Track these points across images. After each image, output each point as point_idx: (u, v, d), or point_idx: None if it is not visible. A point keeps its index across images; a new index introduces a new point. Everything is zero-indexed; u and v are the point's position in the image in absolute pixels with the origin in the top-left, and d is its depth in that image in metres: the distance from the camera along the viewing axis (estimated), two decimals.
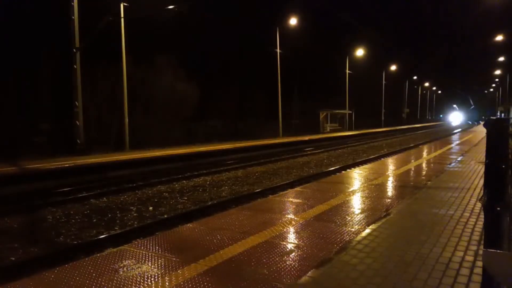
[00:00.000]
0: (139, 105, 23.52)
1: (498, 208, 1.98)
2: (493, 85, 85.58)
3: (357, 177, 8.29)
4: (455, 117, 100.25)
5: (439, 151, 14.54)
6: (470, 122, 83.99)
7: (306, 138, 28.34)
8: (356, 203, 5.65)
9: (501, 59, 56.64)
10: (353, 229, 4.23)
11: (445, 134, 37.66)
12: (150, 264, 3.32)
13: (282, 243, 3.84)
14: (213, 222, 4.69)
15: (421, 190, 6.47)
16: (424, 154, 13.84)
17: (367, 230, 4.16)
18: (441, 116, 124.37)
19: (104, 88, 21.69)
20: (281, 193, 7.04)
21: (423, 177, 8.07)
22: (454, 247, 3.61)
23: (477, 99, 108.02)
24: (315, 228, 4.30)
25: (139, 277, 3.06)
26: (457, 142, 20.36)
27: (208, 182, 11.35)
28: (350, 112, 47.50)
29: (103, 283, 2.97)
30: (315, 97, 45.00)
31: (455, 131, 42.25)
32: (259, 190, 9.71)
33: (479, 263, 3.15)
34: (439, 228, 4.20)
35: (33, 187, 10.26)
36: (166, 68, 26.25)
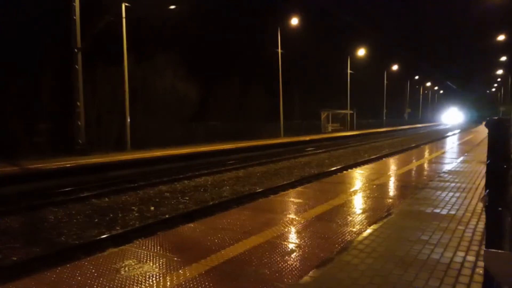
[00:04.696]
0: (139, 105, 23.53)
1: (500, 208, 1.98)
2: (495, 85, 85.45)
3: (358, 177, 8.29)
4: (452, 116, 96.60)
5: (441, 151, 14.52)
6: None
7: (308, 138, 28.34)
8: (358, 203, 5.64)
9: (503, 58, 56.56)
10: (354, 229, 4.22)
11: (447, 134, 37.62)
12: (151, 264, 3.33)
13: (283, 243, 3.83)
14: (215, 222, 4.69)
15: (423, 190, 6.46)
16: (426, 154, 13.82)
17: (369, 230, 4.16)
18: (442, 115, 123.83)
19: (104, 88, 21.70)
20: (283, 193, 7.05)
21: (425, 177, 8.06)
22: (455, 247, 3.61)
23: (478, 99, 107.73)
24: (316, 228, 4.30)
25: (140, 277, 3.06)
26: (459, 142, 20.33)
27: (209, 182, 11.36)
28: (352, 112, 47.50)
29: (104, 282, 2.97)
30: (317, 97, 45.04)
31: (456, 131, 42.19)
32: (260, 190, 9.71)
33: (481, 263, 3.15)
34: (441, 228, 4.20)
35: (34, 187, 10.28)
36: (166, 67, 26.26)
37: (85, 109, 17.20)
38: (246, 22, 37.68)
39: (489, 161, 2.08)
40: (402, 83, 71.63)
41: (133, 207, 8.39)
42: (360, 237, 3.92)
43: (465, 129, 45.04)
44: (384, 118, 60.16)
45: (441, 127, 69.70)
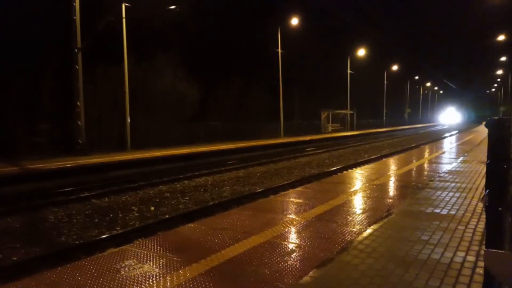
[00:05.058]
0: (139, 105, 23.54)
1: (500, 208, 1.98)
2: (495, 85, 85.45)
3: (358, 177, 8.29)
4: (450, 117, 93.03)
5: (441, 151, 14.52)
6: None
7: (308, 138, 28.35)
8: (358, 203, 5.64)
9: (503, 59, 56.62)
10: (354, 229, 4.22)
11: (447, 134, 37.62)
12: (151, 264, 3.33)
13: (283, 243, 3.83)
14: (215, 222, 4.69)
15: (423, 190, 6.46)
16: (426, 154, 13.82)
17: (369, 230, 4.16)
18: (439, 116, 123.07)
19: (105, 88, 21.71)
20: (283, 193, 7.05)
21: (425, 177, 8.06)
22: (455, 247, 3.61)
23: (476, 99, 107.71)
24: (316, 228, 4.30)
25: (140, 277, 3.06)
26: (459, 142, 20.33)
27: (209, 182, 11.36)
28: (352, 112, 47.52)
29: (104, 283, 2.97)
30: (317, 97, 45.07)
31: (456, 131, 42.19)
32: (260, 190, 9.71)
33: (481, 264, 3.15)
34: (441, 228, 4.20)
35: (34, 187, 10.28)
36: (166, 67, 26.27)
37: (86, 109, 17.21)
38: (246, 22, 37.66)
39: (489, 161, 2.08)
40: (402, 83, 71.63)
41: (133, 207, 8.39)
42: (360, 237, 3.92)
43: (464, 130, 45.01)
44: (384, 118, 60.16)
45: (439, 127, 69.52)
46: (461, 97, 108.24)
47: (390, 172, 9.02)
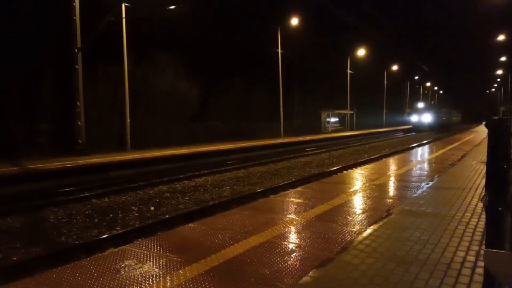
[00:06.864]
0: (140, 105, 23.54)
1: (500, 208, 1.98)
2: (495, 85, 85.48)
3: (358, 177, 8.29)
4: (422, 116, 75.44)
5: (441, 151, 14.51)
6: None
7: (308, 138, 28.35)
8: (358, 203, 5.64)
9: (503, 59, 56.67)
10: (354, 229, 4.22)
11: (447, 133, 37.60)
12: (151, 264, 3.33)
13: (283, 243, 3.83)
14: (215, 222, 4.69)
15: (423, 190, 6.46)
16: (426, 154, 13.81)
17: (369, 230, 4.16)
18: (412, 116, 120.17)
19: (105, 88, 21.72)
20: (283, 193, 7.04)
21: (424, 177, 8.06)
22: (455, 247, 3.61)
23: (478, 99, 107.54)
24: (316, 228, 4.30)
25: (140, 277, 3.06)
26: (459, 142, 20.32)
27: (209, 182, 11.36)
28: (352, 112, 47.52)
29: (104, 283, 2.97)
30: (317, 97, 45.06)
31: (457, 131, 42.16)
32: (260, 190, 9.71)
33: (481, 263, 3.15)
34: (441, 228, 4.20)
35: (35, 187, 10.28)
36: (167, 67, 26.26)
37: (86, 109, 17.21)
38: (246, 22, 37.66)
39: (489, 161, 2.08)
40: (402, 83, 71.55)
41: (133, 207, 8.39)
42: (360, 237, 3.92)
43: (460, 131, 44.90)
44: (384, 118, 60.14)
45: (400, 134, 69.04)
46: (461, 97, 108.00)
47: (390, 172, 9.02)
